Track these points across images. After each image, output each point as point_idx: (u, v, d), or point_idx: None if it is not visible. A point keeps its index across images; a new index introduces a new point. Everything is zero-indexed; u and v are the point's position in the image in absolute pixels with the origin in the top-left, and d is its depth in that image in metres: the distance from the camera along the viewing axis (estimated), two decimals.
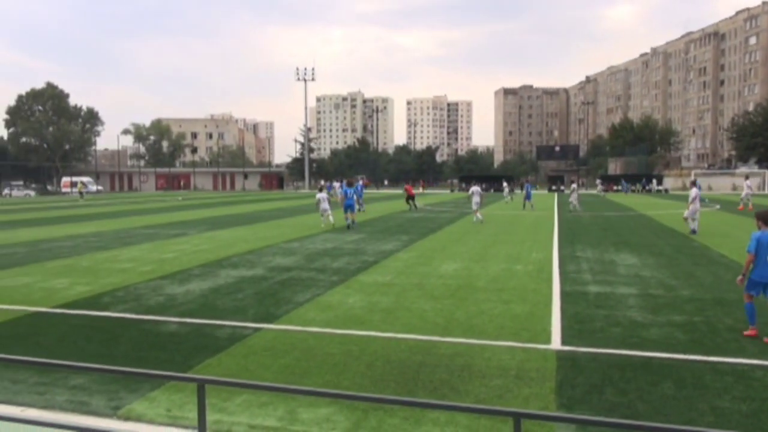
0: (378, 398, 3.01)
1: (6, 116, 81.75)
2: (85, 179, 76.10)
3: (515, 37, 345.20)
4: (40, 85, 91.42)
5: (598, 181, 41.57)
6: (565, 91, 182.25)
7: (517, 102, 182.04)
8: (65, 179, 77.11)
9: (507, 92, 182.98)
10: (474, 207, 23.76)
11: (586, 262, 12.71)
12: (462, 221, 23.61)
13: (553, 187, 67.64)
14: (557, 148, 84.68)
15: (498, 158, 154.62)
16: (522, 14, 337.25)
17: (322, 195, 21.90)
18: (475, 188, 24.09)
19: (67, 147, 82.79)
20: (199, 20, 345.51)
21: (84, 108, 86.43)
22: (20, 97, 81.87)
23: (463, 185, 73.30)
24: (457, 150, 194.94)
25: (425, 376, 5.78)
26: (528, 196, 32.30)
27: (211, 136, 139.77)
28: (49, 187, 79.70)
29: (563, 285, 10.17)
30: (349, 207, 20.94)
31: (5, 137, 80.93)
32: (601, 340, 6.92)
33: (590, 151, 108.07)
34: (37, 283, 10.75)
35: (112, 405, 5.25)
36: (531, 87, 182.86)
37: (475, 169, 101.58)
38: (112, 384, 5.68)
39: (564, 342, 6.84)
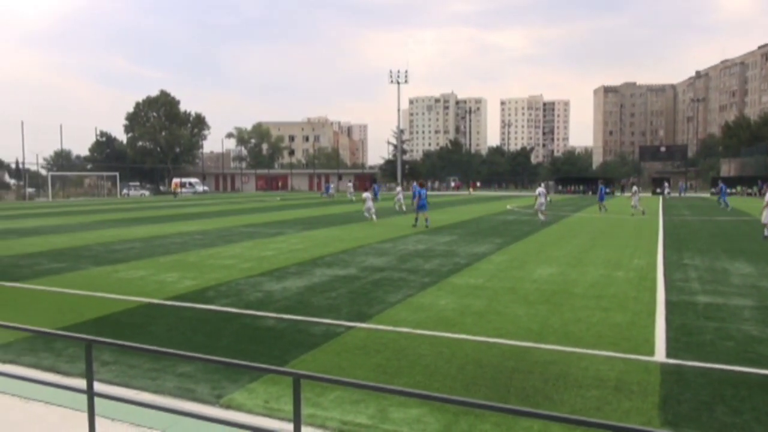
0: (470, 402, 2.98)
1: (125, 122, 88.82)
2: (192, 180, 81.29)
3: (616, 33, 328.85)
4: (154, 92, 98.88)
5: (720, 184, 38.18)
6: (672, 87, 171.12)
7: (619, 100, 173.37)
8: (175, 180, 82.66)
9: (607, 90, 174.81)
10: (537, 207, 24.64)
11: (694, 270, 11.87)
12: (558, 225, 22.85)
13: (658, 190, 65.03)
14: (662, 149, 79.73)
15: (597, 159, 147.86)
16: (625, 8, 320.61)
17: (368, 194, 24.94)
18: (541, 190, 24.92)
19: (177, 150, 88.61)
20: (298, 27, 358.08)
21: (192, 113, 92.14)
22: (137, 105, 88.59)
23: (560, 187, 71.11)
24: (553, 151, 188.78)
25: (518, 383, 5.65)
26: (601, 197, 31.76)
27: (307, 139, 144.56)
28: (161, 188, 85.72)
29: (668, 294, 9.56)
30: (421, 207, 21.81)
31: (124, 141, 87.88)
32: (712, 354, 6.45)
33: (701, 151, 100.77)
34: (150, 276, 11.62)
35: (215, 393, 5.56)
36: (634, 84, 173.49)
37: (572, 171, 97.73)
38: (215, 374, 6.02)
39: (669, 354, 6.44)
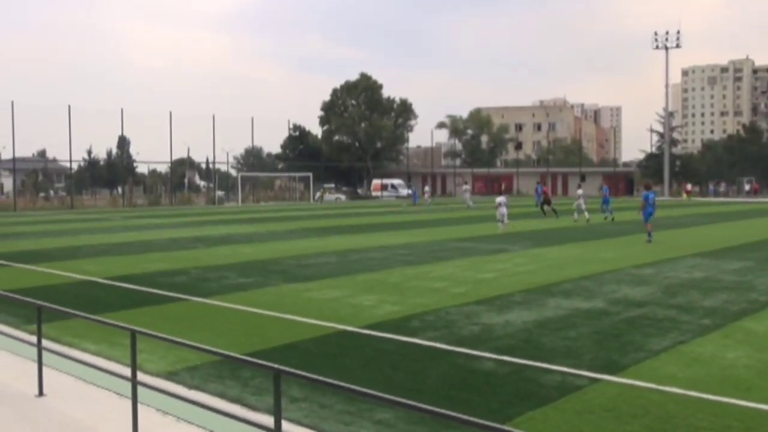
0: None
1: (321, 113, 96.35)
2: (395, 181, 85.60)
3: None
4: (353, 76, 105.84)
5: None
6: None
7: None
8: (375, 182, 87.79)
9: None
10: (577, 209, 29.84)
11: None
12: None
13: None
14: None
15: None
16: None
17: (501, 199, 27.48)
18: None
19: (378, 145, 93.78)
20: None
21: (397, 100, 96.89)
22: (334, 91, 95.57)
23: None
24: None
25: None
26: (605, 200, 34.45)
27: (539, 128, 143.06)
28: (359, 191, 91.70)
29: None
30: (650, 216, 22.86)
31: (319, 135, 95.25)
32: None
33: None
34: (345, 297, 12.45)
35: None
36: None
37: None
38: (419, 425, 6.19)
39: None
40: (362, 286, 13.69)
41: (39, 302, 7.51)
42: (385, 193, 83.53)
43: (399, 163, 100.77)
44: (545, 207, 36.68)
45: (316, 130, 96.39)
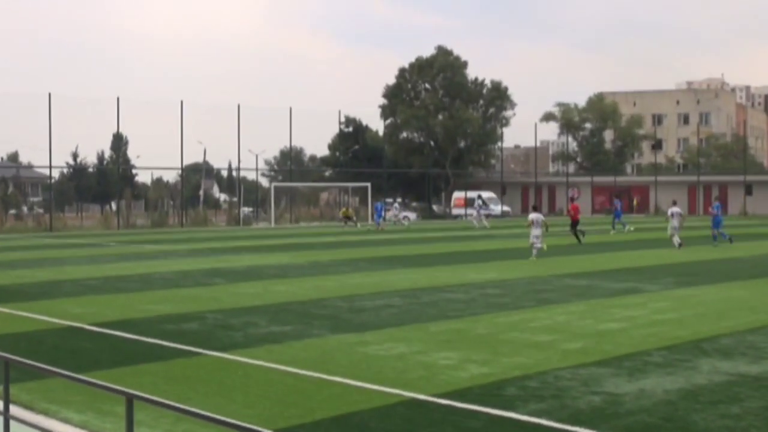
0: None
1: (382, 101, 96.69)
2: (485, 194, 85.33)
3: None
4: (427, 50, 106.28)
5: None
6: None
7: None
8: (457, 195, 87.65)
9: None
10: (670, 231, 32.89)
11: None
12: None
13: None
14: None
15: None
16: None
17: (536, 216, 30.27)
18: (675, 209, 31.28)
19: (461, 144, 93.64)
20: None
21: (487, 83, 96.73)
22: (402, 72, 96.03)
23: None
24: None
25: None
26: (617, 214, 41.34)
27: (686, 120, 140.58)
28: (434, 207, 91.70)
29: None
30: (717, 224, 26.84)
31: (380, 132, 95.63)
32: None
33: None
34: (414, 354, 12.41)
35: None
36: None
37: None
38: None
39: None
40: (438, 338, 13.64)
41: (6, 355, 7.72)
42: (470, 211, 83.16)
43: (490, 169, 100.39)
44: (576, 229, 38.81)
45: (377, 125, 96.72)
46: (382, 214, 60.51)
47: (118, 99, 63.05)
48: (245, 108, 70.04)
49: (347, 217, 63.10)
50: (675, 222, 34.17)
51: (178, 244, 40.70)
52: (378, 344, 13.22)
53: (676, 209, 34.72)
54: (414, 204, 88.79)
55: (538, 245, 29.69)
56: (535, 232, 29.73)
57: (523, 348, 12.84)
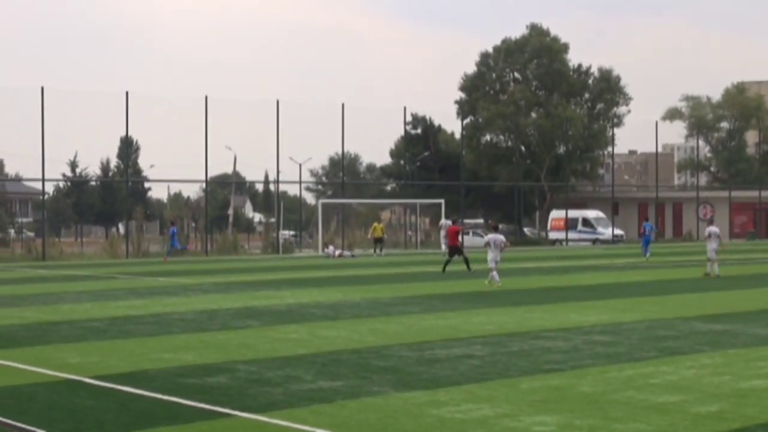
0: None
1: (459, 95, 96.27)
2: (591, 214, 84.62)
3: None
4: (517, 30, 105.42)
5: None
6: None
7: None
8: (555, 214, 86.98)
9: None
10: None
11: None
12: None
13: None
14: None
15: None
16: None
17: (492, 237, 34.53)
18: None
19: (560, 150, 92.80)
20: None
21: (593, 71, 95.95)
22: (484, 58, 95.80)
23: None
24: None
25: None
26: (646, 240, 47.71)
27: None
28: (526, 230, 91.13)
29: None
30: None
31: (456, 134, 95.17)
32: None
33: None
34: (501, 418, 12.30)
35: None
36: None
37: None
38: None
39: None
40: (531, 399, 13.53)
41: None
42: (573, 234, 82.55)
43: (597, 181, 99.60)
44: (454, 254, 42.79)
45: (452, 125, 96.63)
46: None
47: (126, 94, 64.06)
48: (285, 105, 70.35)
49: (378, 239, 63.26)
50: (713, 245, 37.92)
51: (201, 276, 41.09)
52: (454, 405, 13.15)
53: (714, 229, 38.41)
54: (500, 226, 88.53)
55: (495, 271, 33.24)
56: (492, 255, 33.33)
57: (641, 411, 12.68)
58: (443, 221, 70.20)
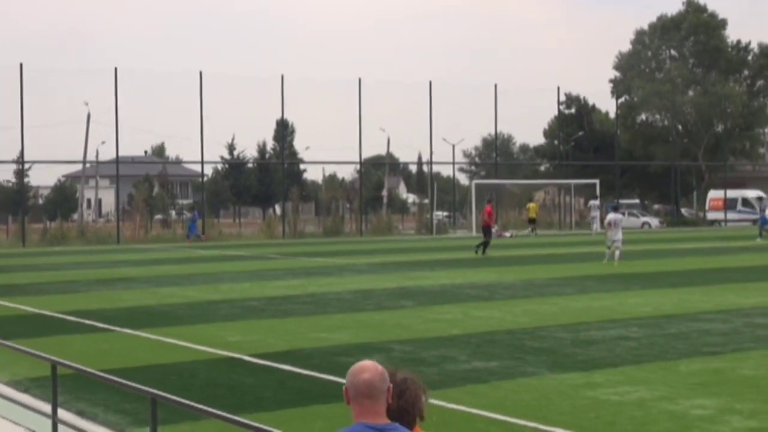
0: None
1: (613, 74, 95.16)
2: (750, 194, 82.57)
3: None
4: (673, 7, 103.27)
5: None
6: None
7: None
8: (714, 194, 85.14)
9: None
10: None
11: None
12: None
13: None
14: None
15: None
16: None
17: (613, 217, 35.33)
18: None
19: (718, 128, 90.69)
20: None
21: (753, 46, 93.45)
22: (639, 36, 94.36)
23: None
24: None
25: None
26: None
27: None
28: (683, 210, 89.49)
29: None
30: None
31: (611, 114, 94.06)
32: None
33: None
34: (658, 401, 12.14)
35: None
36: None
37: None
38: None
39: None
40: (689, 382, 13.34)
41: (153, 391, 8.09)
42: (731, 215, 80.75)
43: (757, 160, 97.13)
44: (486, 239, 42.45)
45: (606, 105, 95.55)
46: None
47: (282, 77, 65.16)
48: (438, 86, 70.55)
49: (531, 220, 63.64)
50: None
51: (356, 257, 41.52)
52: (610, 387, 13.05)
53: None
54: (656, 206, 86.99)
55: (612, 250, 34.36)
56: (611, 234, 34.54)
57: None
58: (593, 201, 69.61)
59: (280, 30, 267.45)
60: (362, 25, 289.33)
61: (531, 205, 66.44)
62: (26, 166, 68.52)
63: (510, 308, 22.14)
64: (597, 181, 72.79)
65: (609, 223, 34.84)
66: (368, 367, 4.67)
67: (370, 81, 67.00)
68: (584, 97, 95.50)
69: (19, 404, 11.27)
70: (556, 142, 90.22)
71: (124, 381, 9.51)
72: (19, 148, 59.95)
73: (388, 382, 4.66)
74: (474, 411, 11.74)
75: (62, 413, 10.24)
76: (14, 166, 74.24)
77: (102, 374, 10.07)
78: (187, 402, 8.17)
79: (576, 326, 18.88)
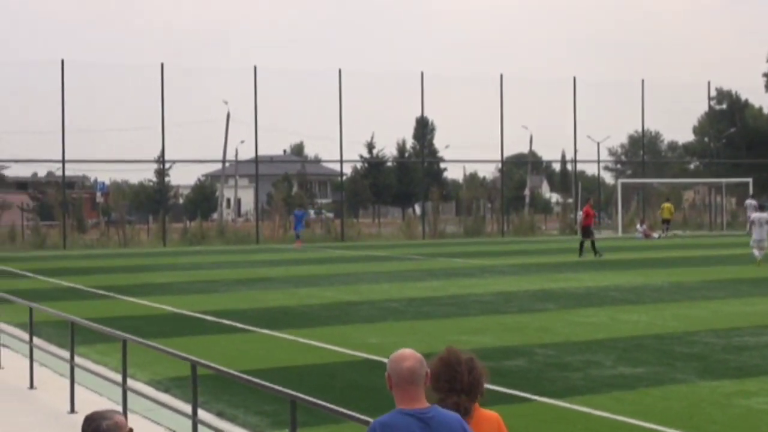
0: None
1: None
2: None
3: None
4: None
5: None
6: None
7: None
8: None
9: None
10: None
11: None
12: None
13: None
14: None
15: None
16: None
17: (759, 215, 34.70)
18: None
19: None
20: None
21: None
22: None
23: None
24: None
25: None
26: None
27: None
28: None
29: None
30: None
31: (764, 110, 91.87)
32: None
33: None
34: None
35: None
36: None
37: None
38: None
39: None
40: None
41: (293, 393, 8.17)
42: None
43: None
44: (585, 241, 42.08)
45: (760, 100, 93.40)
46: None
47: (422, 74, 65.19)
48: (582, 82, 69.85)
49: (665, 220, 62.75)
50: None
51: (498, 258, 41.39)
52: (765, 396, 12.79)
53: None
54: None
55: (756, 250, 34.30)
56: (756, 234, 34.27)
57: None
58: (749, 201, 67.89)
59: (420, 26, 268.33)
60: (503, 20, 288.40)
61: (666, 205, 65.28)
62: (167, 165, 70.21)
63: (658, 312, 21.83)
64: (750, 180, 71.06)
65: (753, 222, 34.73)
66: (409, 355, 5.15)
67: (511, 77, 66.58)
68: (736, 92, 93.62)
69: (160, 404, 11.52)
70: (706, 139, 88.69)
71: (264, 382, 9.61)
72: (160, 147, 61.67)
73: (426, 368, 5.10)
74: (620, 418, 11.59)
75: (202, 414, 10.44)
76: (155, 166, 75.71)
77: (242, 375, 10.21)
78: (326, 404, 8.22)
79: (728, 331, 18.48)
